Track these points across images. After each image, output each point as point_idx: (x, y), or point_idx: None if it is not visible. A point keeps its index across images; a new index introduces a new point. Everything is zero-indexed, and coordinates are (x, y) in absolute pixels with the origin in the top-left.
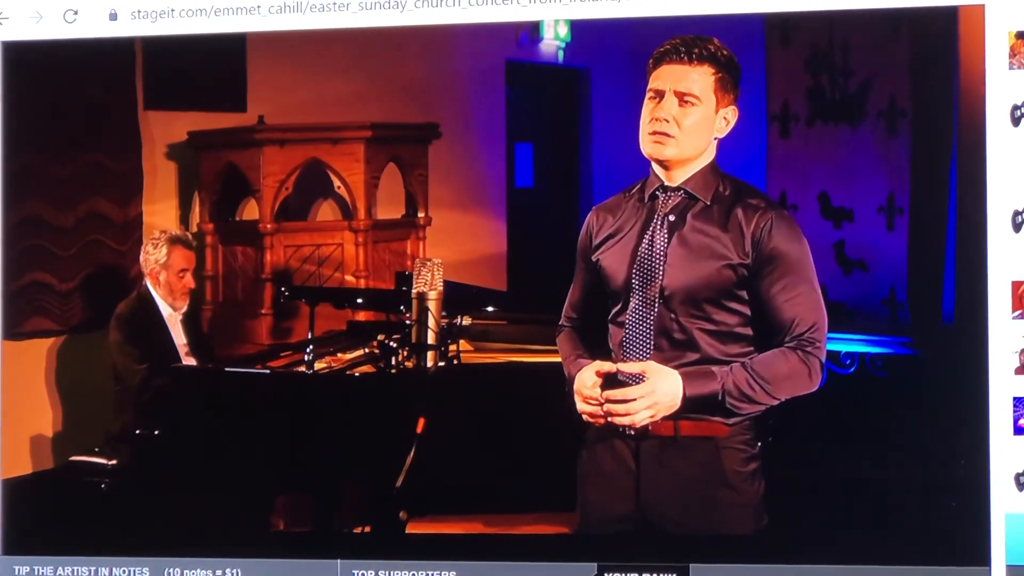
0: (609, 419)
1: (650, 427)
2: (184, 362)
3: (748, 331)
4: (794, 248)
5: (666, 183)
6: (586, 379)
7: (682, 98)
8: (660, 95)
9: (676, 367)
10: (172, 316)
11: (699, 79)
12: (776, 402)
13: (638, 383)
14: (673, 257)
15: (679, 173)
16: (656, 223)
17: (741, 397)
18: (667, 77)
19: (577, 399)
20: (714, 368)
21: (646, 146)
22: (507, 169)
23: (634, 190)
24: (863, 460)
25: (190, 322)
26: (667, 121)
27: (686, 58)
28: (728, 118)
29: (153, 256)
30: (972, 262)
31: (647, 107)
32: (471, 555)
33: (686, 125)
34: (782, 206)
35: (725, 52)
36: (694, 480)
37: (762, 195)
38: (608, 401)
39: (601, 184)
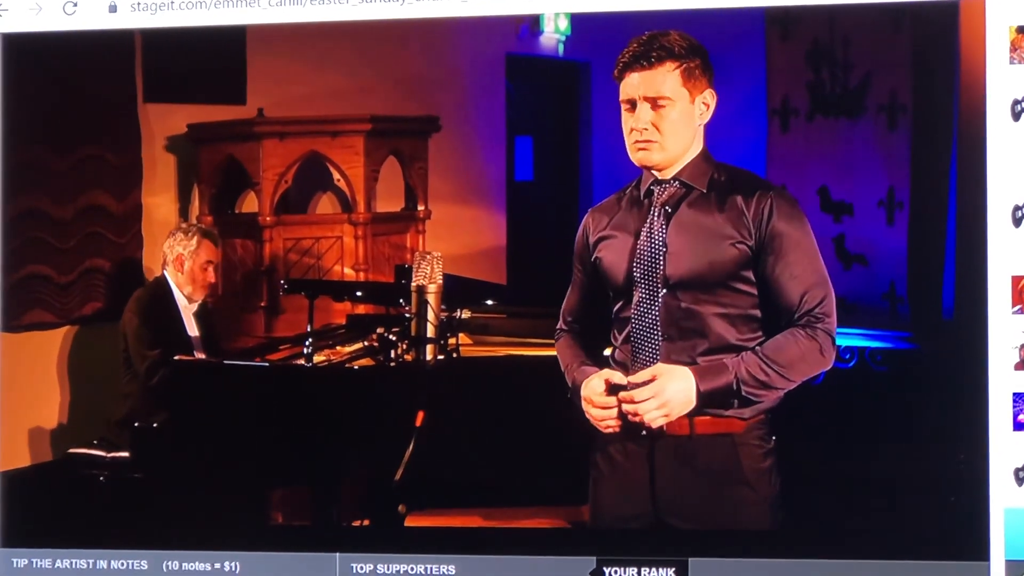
0: (623, 421)
1: (665, 427)
2: (196, 355)
3: (759, 313)
4: (797, 227)
5: (659, 177)
6: (596, 386)
7: (654, 102)
8: (633, 104)
9: (691, 356)
10: (187, 308)
11: (665, 78)
12: (793, 385)
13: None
14: (673, 245)
15: (671, 168)
16: (653, 215)
17: (756, 384)
18: (634, 85)
19: (587, 406)
20: (726, 360)
21: (634, 156)
22: (507, 162)
23: (628, 189)
24: (862, 455)
25: (202, 316)
26: (646, 129)
27: (645, 62)
28: (707, 102)
29: (182, 244)
30: (972, 257)
31: (624, 118)
32: (470, 548)
33: (665, 127)
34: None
35: (683, 43)
36: (712, 478)
37: (760, 179)
38: (621, 402)
39: (601, 177)
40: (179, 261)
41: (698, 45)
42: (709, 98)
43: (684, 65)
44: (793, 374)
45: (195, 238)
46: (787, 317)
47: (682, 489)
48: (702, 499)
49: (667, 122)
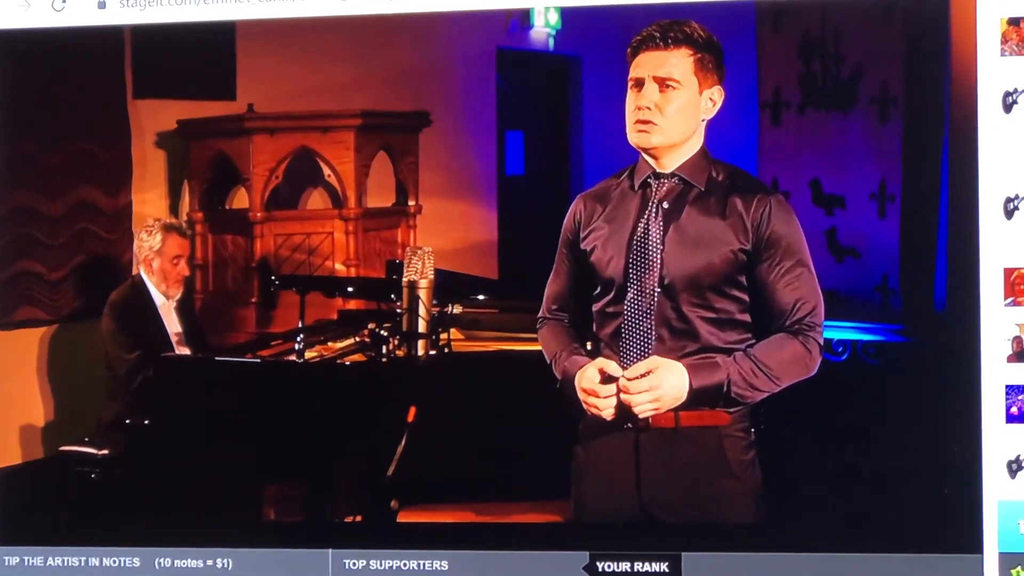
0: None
1: (650, 420)
2: (177, 351)
3: (747, 318)
4: (793, 232)
5: (658, 170)
6: (593, 376)
7: (662, 83)
8: (640, 83)
9: (678, 358)
10: (165, 305)
11: (678, 63)
12: (778, 388)
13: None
14: (671, 245)
15: (670, 160)
16: (650, 211)
17: (746, 386)
18: (645, 64)
19: (585, 396)
20: (717, 358)
21: (632, 136)
22: (498, 157)
23: (623, 176)
24: (855, 448)
25: (184, 310)
26: (649, 109)
27: (662, 43)
28: (714, 99)
29: (147, 243)
30: (964, 249)
31: (629, 97)
32: (463, 544)
33: (669, 111)
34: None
35: (703, 33)
36: (697, 471)
37: (757, 181)
38: (620, 392)
39: (592, 172)
40: (148, 261)
41: (716, 41)
42: (717, 95)
43: (699, 55)
44: (782, 379)
45: (158, 235)
46: (777, 322)
47: (667, 482)
48: (688, 491)
49: (672, 105)
